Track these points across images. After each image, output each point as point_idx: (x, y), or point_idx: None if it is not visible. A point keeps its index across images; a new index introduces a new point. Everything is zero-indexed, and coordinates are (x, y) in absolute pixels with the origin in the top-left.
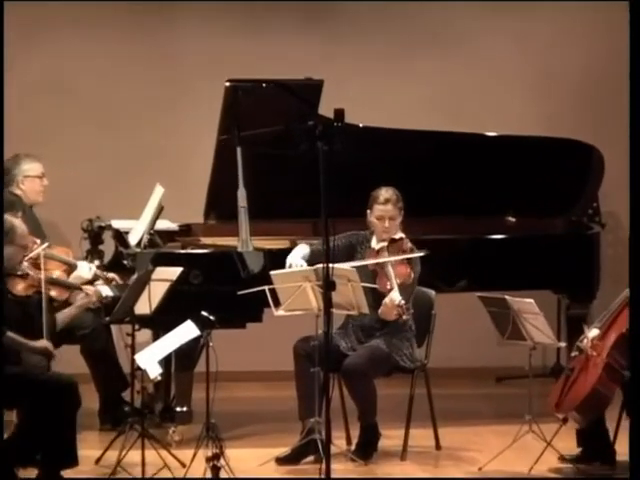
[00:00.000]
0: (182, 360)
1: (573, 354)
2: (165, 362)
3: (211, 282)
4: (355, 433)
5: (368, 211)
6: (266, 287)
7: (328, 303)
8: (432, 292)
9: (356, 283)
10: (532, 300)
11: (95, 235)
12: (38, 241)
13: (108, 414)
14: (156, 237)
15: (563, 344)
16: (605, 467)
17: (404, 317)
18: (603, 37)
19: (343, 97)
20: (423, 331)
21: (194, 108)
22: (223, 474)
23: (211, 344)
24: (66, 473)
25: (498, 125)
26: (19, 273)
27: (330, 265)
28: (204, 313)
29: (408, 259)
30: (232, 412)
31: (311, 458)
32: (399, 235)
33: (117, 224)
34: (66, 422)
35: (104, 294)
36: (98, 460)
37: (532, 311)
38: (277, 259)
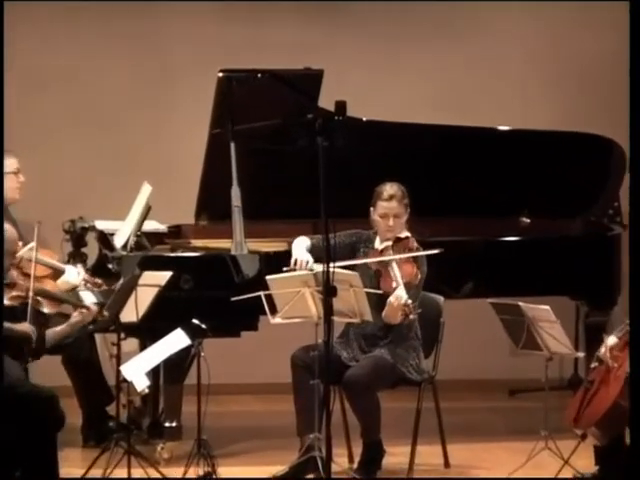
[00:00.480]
0: (171, 371)
1: (592, 365)
2: (153, 374)
3: (203, 287)
4: (357, 450)
5: (371, 209)
6: (262, 293)
7: (329, 310)
8: (440, 298)
9: (359, 288)
10: (548, 307)
11: (78, 237)
12: (20, 243)
13: (92, 430)
14: (143, 239)
15: (581, 354)
16: None
17: (411, 316)
18: (616, 24)
19: (345, 89)
20: (431, 340)
21: (184, 101)
22: None
23: (203, 354)
24: None
25: (508, 118)
26: (6, 282)
27: (331, 269)
28: (195, 321)
29: (414, 259)
30: (225, 427)
31: (310, 477)
32: (405, 234)
33: (101, 225)
34: (47, 438)
35: (87, 301)
36: None
37: (548, 319)
38: (274, 263)
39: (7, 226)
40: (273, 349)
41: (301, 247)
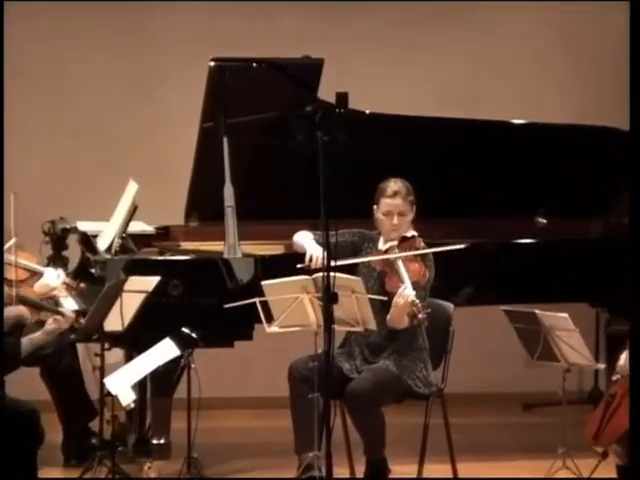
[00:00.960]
0: (159, 384)
1: (614, 377)
2: (140, 387)
3: (193, 294)
4: (360, 469)
5: (375, 207)
6: (257, 299)
7: (329, 318)
8: (450, 305)
9: (361, 295)
10: (566, 315)
11: (58, 239)
12: None
13: (73, 447)
14: (129, 241)
15: (602, 366)
16: None
17: (420, 316)
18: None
19: (346, 79)
20: (439, 351)
21: (172, 92)
22: None
23: (193, 366)
24: None
25: (523, 111)
26: None
27: (331, 274)
28: (185, 330)
29: (422, 258)
30: (217, 445)
31: None
32: (411, 233)
33: (84, 226)
34: (26, 457)
35: (69, 309)
36: None
37: (566, 327)
38: (270, 267)
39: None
40: (269, 360)
41: (313, 242)
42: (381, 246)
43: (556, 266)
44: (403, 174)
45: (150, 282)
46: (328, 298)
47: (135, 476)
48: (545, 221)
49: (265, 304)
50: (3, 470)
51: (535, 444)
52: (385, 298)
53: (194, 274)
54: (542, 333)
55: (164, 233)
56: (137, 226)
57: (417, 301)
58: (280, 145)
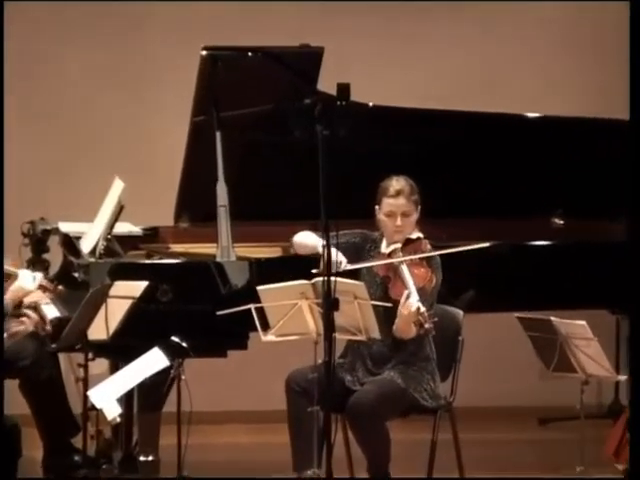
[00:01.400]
0: (147, 397)
1: None
2: (126, 400)
3: (183, 300)
4: None
5: (377, 207)
6: (252, 306)
7: (329, 326)
8: (459, 312)
9: (364, 300)
10: (584, 322)
11: (38, 241)
12: None
13: (54, 464)
14: (114, 244)
15: (623, 377)
16: None
17: (426, 325)
18: None
19: (348, 69)
20: (448, 361)
21: (162, 84)
22: None
23: (183, 377)
24: None
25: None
26: None
27: (332, 278)
28: (175, 338)
29: (428, 262)
30: (209, 462)
31: None
32: (416, 234)
33: (66, 227)
34: (2, 474)
35: (50, 316)
36: None
37: (584, 336)
38: (266, 271)
39: None
40: (265, 371)
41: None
42: (384, 249)
43: (574, 270)
44: (408, 171)
45: (137, 287)
46: (329, 304)
47: None
48: (562, 222)
49: (261, 311)
50: None
51: (551, 462)
52: (389, 304)
53: (184, 279)
54: (558, 342)
55: (152, 234)
56: (123, 227)
57: (423, 309)
58: (277, 140)
